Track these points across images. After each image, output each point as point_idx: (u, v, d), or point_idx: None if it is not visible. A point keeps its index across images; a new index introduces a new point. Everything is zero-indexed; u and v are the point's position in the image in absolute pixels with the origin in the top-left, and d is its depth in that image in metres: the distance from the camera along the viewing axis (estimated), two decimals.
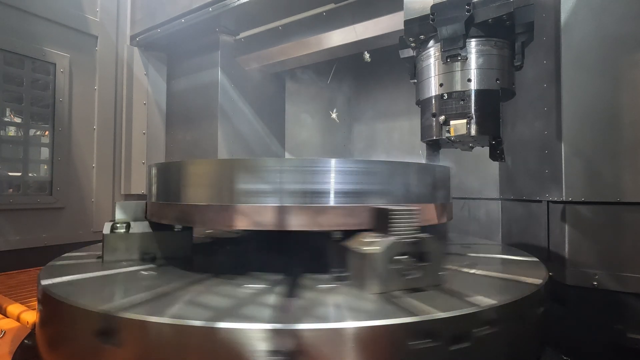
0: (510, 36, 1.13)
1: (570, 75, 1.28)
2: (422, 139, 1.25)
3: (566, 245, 1.28)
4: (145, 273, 0.98)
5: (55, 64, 2.10)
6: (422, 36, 1.19)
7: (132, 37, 2.45)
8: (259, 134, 2.48)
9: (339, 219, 0.89)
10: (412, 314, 0.68)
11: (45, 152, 2.13)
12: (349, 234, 0.90)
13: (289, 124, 2.64)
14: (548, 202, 1.39)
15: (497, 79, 1.11)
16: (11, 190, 1.99)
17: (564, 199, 1.28)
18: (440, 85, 1.15)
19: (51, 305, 0.82)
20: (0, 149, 1.94)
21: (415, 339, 0.66)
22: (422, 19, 1.15)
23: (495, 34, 1.11)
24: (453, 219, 1.27)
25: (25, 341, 1.02)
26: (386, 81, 2.50)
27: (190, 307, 0.72)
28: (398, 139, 2.43)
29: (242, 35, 2.31)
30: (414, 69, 1.28)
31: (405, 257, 0.81)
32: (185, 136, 2.46)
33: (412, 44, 1.25)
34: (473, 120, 1.10)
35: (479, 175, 1.84)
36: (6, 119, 2.10)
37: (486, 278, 0.96)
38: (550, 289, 0.98)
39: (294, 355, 0.62)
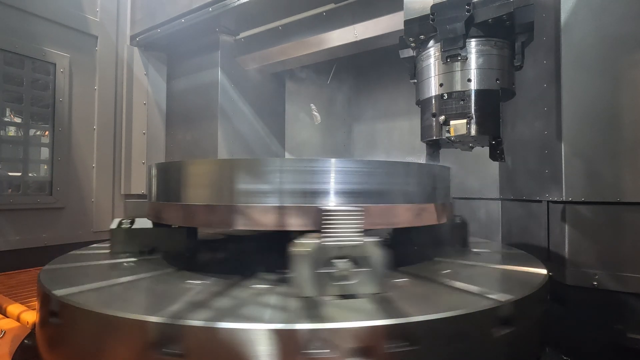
0: (510, 36, 1.13)
1: (570, 75, 1.28)
2: (422, 139, 1.25)
3: (566, 245, 1.28)
4: (129, 268, 1.03)
5: (55, 64, 2.10)
6: (422, 36, 1.19)
7: (132, 37, 2.45)
8: (259, 134, 2.48)
9: (291, 219, 0.86)
10: (310, 321, 0.64)
11: (45, 152, 2.13)
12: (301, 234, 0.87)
13: (289, 124, 2.63)
14: (548, 202, 1.39)
15: (497, 79, 1.12)
16: (11, 190, 1.99)
17: (564, 199, 1.28)
18: (440, 85, 1.16)
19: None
20: (0, 149, 1.94)
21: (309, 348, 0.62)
22: (422, 19, 1.15)
23: (495, 34, 1.11)
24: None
25: (25, 341, 1.02)
26: (386, 81, 2.50)
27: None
28: (398, 139, 2.43)
29: (242, 35, 2.31)
30: (414, 69, 1.28)
31: (344, 261, 0.76)
32: (185, 136, 2.46)
33: (412, 44, 1.25)
34: (473, 120, 1.10)
35: (479, 175, 1.84)
36: (6, 119, 2.10)
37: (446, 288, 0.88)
38: (550, 289, 0.97)
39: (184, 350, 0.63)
